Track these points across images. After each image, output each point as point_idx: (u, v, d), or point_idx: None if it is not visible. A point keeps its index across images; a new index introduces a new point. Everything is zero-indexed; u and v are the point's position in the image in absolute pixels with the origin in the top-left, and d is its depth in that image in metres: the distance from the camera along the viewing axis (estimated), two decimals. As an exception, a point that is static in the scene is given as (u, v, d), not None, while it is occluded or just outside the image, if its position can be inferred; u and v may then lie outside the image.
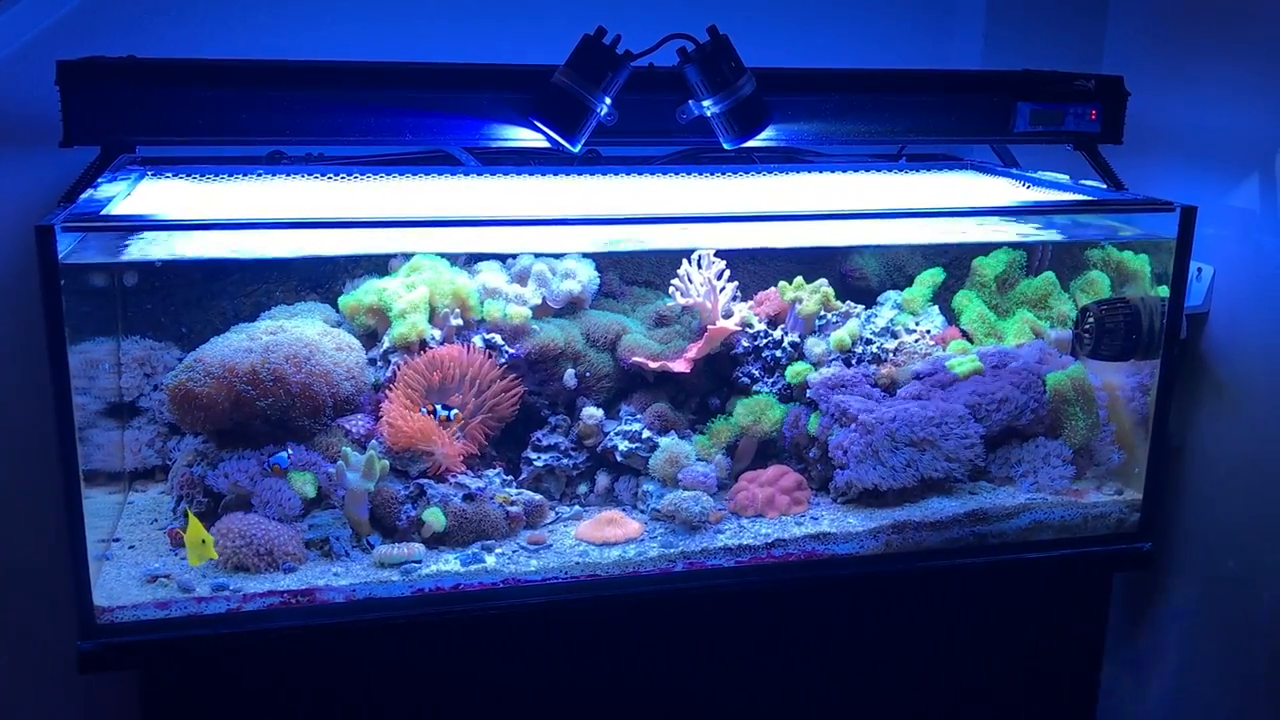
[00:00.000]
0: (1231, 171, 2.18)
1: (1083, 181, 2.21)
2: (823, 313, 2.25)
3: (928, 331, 2.28)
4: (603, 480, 2.11)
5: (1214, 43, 2.24)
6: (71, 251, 1.61)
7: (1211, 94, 2.23)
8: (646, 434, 2.08)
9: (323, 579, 1.80)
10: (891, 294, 2.38)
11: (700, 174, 2.26)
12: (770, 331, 2.23)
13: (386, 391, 2.02)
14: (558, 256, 2.21)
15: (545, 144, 1.93)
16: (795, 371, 2.17)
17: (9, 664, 2.32)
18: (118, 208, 1.77)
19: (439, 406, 1.96)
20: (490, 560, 1.88)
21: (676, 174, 2.26)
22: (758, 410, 2.13)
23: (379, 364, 2.10)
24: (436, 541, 1.92)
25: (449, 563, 1.86)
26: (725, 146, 1.96)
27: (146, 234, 1.74)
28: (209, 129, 1.84)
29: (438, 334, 2.08)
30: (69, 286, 1.59)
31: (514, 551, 1.92)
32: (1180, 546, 2.35)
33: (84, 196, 1.76)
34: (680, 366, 2.13)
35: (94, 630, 1.70)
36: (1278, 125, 2.12)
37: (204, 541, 1.77)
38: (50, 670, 2.29)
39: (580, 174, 2.20)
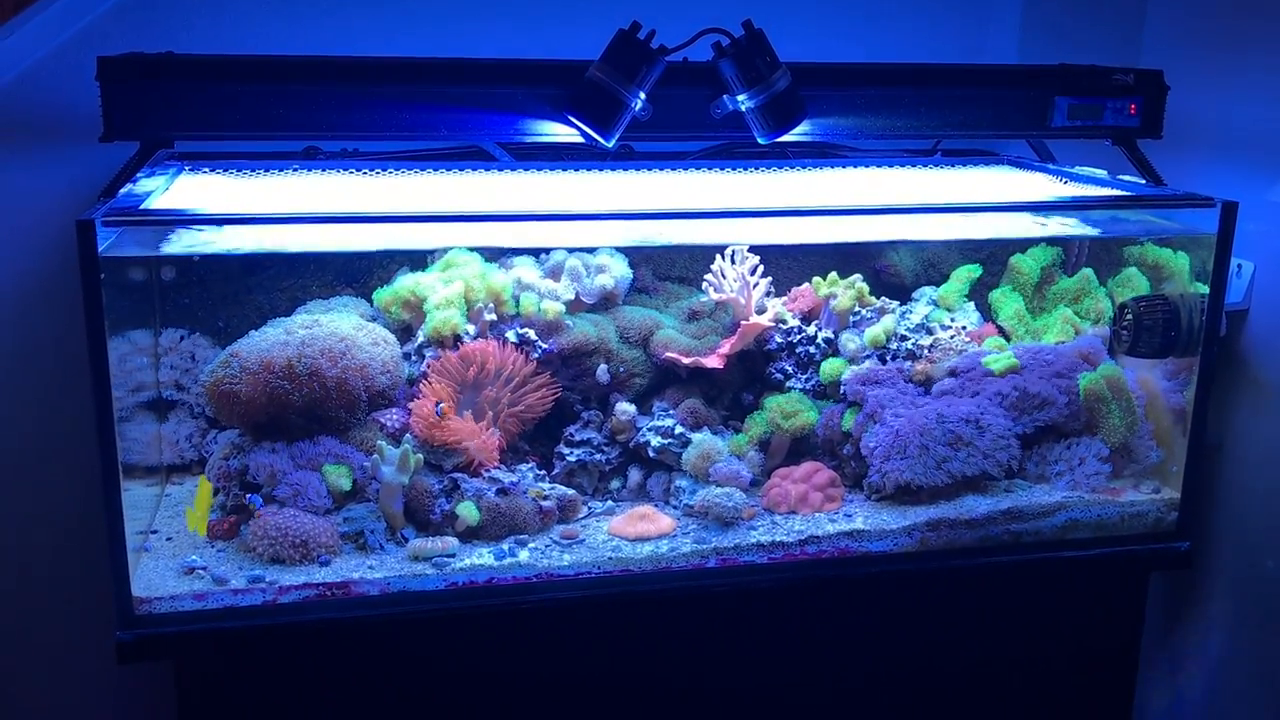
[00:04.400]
0: (1274, 166, 2.15)
1: (1121, 177, 2.18)
2: (857, 309, 2.24)
3: (963, 328, 2.27)
4: (635, 475, 2.11)
5: (1255, 36, 2.21)
6: (111, 245, 1.63)
7: (1252, 88, 2.20)
8: (679, 430, 2.07)
9: (357, 572, 1.82)
10: (927, 290, 2.36)
11: (734, 169, 2.26)
12: (804, 327, 2.22)
13: (421, 386, 2.03)
14: (591, 251, 2.21)
15: (579, 139, 1.93)
16: (829, 368, 2.16)
17: (48, 655, 2.35)
18: (156, 202, 1.79)
19: (439, 405, 1.96)
20: (523, 554, 1.88)
21: (710, 169, 2.25)
22: (791, 406, 2.12)
23: (413, 358, 2.11)
24: (470, 535, 1.92)
25: (482, 556, 1.87)
26: (760, 141, 1.95)
27: (184, 228, 1.76)
28: (246, 124, 1.86)
29: (472, 329, 2.09)
30: (108, 280, 1.61)
31: (547, 546, 1.92)
32: (1218, 546, 2.32)
33: (123, 191, 1.78)
34: (713, 362, 2.13)
35: (132, 621, 1.71)
36: (1321, 120, 2.10)
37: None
38: (88, 661, 2.32)
39: (614, 169, 2.20)
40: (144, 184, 1.87)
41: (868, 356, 2.19)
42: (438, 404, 1.95)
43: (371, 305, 2.19)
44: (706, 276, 2.19)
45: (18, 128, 2.12)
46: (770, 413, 2.12)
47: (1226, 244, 1.96)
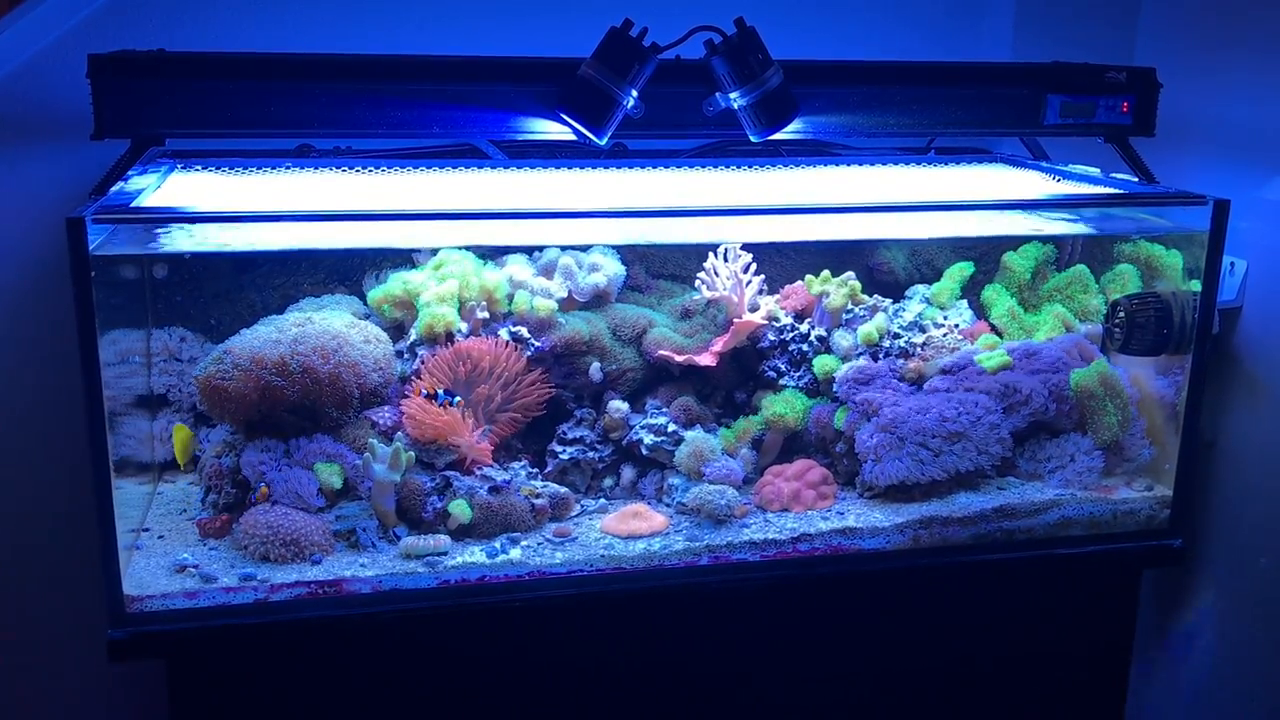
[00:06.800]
0: (1266, 164, 2.15)
1: (1114, 175, 2.19)
2: (850, 306, 2.24)
3: (956, 326, 2.27)
4: (628, 473, 2.11)
5: (1249, 34, 2.21)
6: (102, 243, 1.63)
7: (1246, 86, 2.20)
8: (672, 427, 2.07)
9: (349, 570, 1.81)
10: (919, 288, 2.36)
11: (727, 167, 2.25)
12: (797, 325, 2.22)
13: (413, 383, 2.03)
14: (584, 249, 2.21)
15: (572, 137, 1.93)
16: (822, 365, 2.16)
17: (40, 653, 2.35)
18: (148, 200, 1.78)
19: (440, 391, 1.96)
20: (515, 552, 1.88)
21: (703, 167, 2.25)
22: (784, 404, 2.12)
23: (406, 356, 2.10)
24: (462, 533, 1.92)
25: (474, 555, 1.87)
26: (752, 139, 1.95)
27: (176, 226, 1.75)
28: (238, 122, 1.85)
29: (464, 327, 2.09)
30: (99, 278, 1.61)
31: (539, 544, 1.92)
32: (1211, 544, 2.32)
33: (114, 189, 1.78)
34: (706, 360, 2.13)
35: (124, 619, 1.71)
36: (1313, 117, 2.09)
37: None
38: (80, 659, 2.32)
39: (606, 167, 2.19)
40: (135, 182, 1.87)
41: (860, 354, 2.19)
42: (452, 396, 1.95)
43: (364, 303, 2.19)
44: (699, 274, 2.19)
45: (9, 125, 2.12)
46: (766, 411, 2.12)
47: (1219, 242, 1.97)
